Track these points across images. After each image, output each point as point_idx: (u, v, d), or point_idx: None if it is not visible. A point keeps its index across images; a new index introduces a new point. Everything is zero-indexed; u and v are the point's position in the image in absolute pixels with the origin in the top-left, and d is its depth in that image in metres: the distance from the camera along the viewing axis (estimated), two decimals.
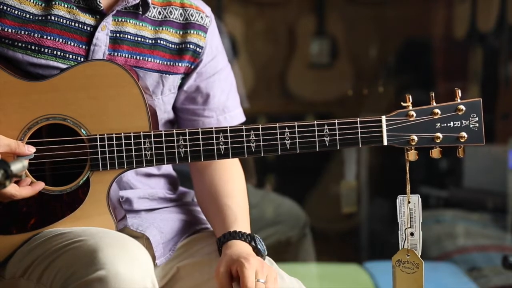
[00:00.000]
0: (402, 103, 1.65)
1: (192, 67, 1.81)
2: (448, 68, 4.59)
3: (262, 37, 4.85)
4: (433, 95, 1.65)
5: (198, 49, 1.79)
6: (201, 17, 1.80)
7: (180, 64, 1.78)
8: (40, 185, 1.61)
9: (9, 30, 1.65)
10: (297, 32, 4.79)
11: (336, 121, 1.64)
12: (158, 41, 1.75)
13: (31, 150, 1.59)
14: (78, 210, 1.64)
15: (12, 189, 1.56)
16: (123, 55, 1.72)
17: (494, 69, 4.23)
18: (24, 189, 1.58)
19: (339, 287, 3.26)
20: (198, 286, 1.72)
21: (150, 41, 1.75)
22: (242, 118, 1.90)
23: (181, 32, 1.78)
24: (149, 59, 1.74)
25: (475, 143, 1.65)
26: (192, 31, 1.79)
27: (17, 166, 1.30)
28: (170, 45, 1.77)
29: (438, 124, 1.64)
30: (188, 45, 1.78)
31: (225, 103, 1.85)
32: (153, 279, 1.50)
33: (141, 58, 1.73)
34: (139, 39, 1.73)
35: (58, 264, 1.52)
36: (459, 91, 1.65)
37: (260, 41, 4.85)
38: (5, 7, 1.65)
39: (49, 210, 1.64)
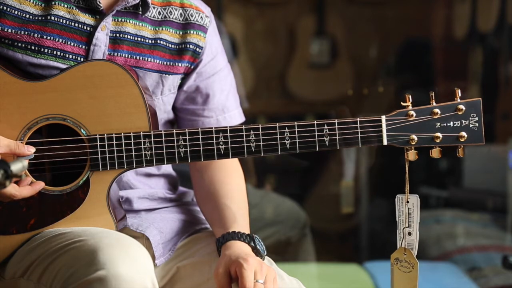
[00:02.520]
0: (402, 103, 1.65)
1: (192, 67, 1.81)
2: (448, 68, 4.58)
3: (262, 37, 4.85)
4: (433, 94, 1.65)
5: (198, 49, 1.79)
6: (201, 17, 1.80)
7: (180, 64, 1.78)
8: (40, 185, 1.60)
9: (9, 30, 1.65)
10: (297, 32, 4.79)
11: (336, 120, 1.64)
12: (158, 41, 1.75)
13: (31, 150, 1.59)
14: (78, 210, 1.64)
15: (12, 189, 1.56)
16: (123, 55, 1.72)
17: (494, 69, 4.22)
18: (24, 189, 1.58)
19: (339, 287, 3.26)
20: (198, 286, 1.72)
21: (149, 41, 1.75)
22: (242, 119, 1.90)
23: (180, 32, 1.78)
24: (149, 59, 1.74)
25: (475, 143, 1.65)
26: (192, 31, 1.79)
27: (17, 166, 1.30)
28: (170, 45, 1.77)
29: (438, 124, 1.64)
30: (188, 45, 1.78)
31: (224, 103, 1.85)
32: (153, 279, 1.50)
33: (140, 58, 1.73)
34: (139, 39, 1.73)
35: (58, 264, 1.52)
36: (459, 90, 1.65)
37: (260, 41, 4.84)
38: (5, 7, 1.64)
39: (49, 210, 1.64)
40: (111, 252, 1.47)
